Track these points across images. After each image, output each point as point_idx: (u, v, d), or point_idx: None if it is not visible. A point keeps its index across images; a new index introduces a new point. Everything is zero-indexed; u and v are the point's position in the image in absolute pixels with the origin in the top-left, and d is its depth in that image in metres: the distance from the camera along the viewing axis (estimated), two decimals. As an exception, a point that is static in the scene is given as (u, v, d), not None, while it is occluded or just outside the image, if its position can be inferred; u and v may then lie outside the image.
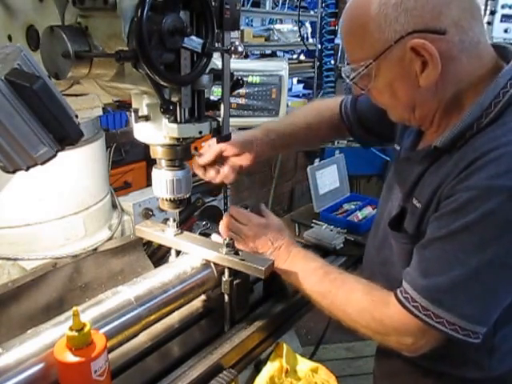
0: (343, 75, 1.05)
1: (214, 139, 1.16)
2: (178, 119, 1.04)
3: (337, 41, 4.46)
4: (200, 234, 1.52)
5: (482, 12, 4.07)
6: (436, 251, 0.96)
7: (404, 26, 0.91)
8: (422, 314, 0.95)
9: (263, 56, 4.68)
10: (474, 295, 0.93)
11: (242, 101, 1.86)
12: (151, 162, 1.19)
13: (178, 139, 1.08)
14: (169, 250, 1.36)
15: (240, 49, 1.02)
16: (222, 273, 1.20)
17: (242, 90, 1.80)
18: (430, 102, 1.00)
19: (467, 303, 0.93)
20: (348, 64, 1.02)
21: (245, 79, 1.46)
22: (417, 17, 0.90)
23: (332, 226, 1.76)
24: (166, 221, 1.35)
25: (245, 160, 1.35)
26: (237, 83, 1.14)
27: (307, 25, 5.36)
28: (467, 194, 0.90)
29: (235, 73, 1.11)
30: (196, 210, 1.70)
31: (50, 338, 0.91)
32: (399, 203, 1.13)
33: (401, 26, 0.91)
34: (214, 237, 1.33)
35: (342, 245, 1.64)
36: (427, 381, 1.16)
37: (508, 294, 0.95)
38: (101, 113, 1.45)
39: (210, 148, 1.33)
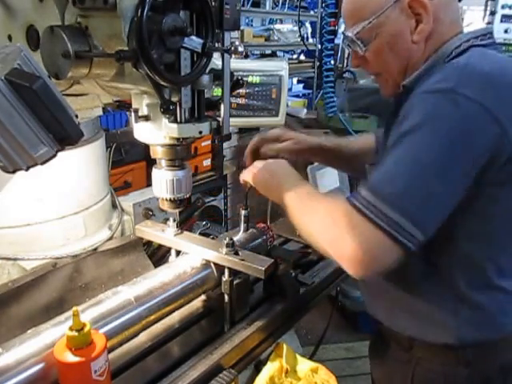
0: (344, 41, 1.17)
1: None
2: (178, 119, 1.04)
3: (337, 41, 4.46)
4: (200, 233, 1.52)
5: (482, 12, 4.07)
6: (387, 161, 1.00)
7: None
8: (363, 206, 0.95)
9: (263, 56, 4.68)
10: (408, 187, 0.95)
11: (242, 101, 1.86)
12: (151, 162, 1.19)
13: (178, 139, 1.08)
14: (169, 249, 1.36)
15: (240, 49, 1.02)
16: (222, 273, 1.20)
17: (242, 90, 1.80)
18: (418, 61, 1.11)
19: (403, 195, 0.95)
20: (349, 29, 1.13)
21: (245, 79, 1.46)
22: None
23: (332, 226, 1.76)
24: (166, 221, 1.35)
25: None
26: (237, 83, 1.14)
27: (307, 25, 5.37)
28: (409, 103, 1.01)
29: (235, 73, 1.11)
30: (196, 210, 1.70)
31: (50, 338, 0.91)
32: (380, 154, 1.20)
33: None
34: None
35: (341, 245, 1.63)
36: (409, 366, 1.18)
37: (445, 195, 0.96)
38: (101, 113, 1.45)
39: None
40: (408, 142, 0.98)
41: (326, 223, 1.03)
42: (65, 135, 0.80)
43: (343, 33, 1.18)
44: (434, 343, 1.14)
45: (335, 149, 1.49)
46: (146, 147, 1.16)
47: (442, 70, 1.03)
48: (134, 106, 1.09)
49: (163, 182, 1.15)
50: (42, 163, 0.80)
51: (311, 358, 1.41)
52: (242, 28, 4.16)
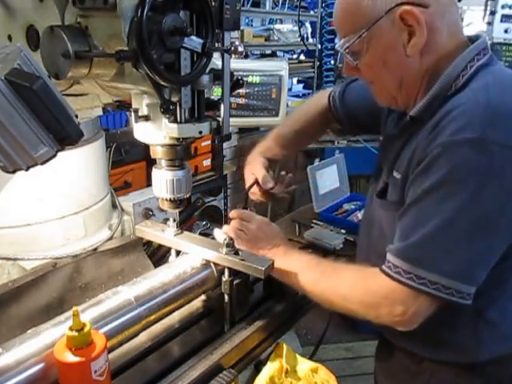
0: (337, 49, 1.11)
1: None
2: (178, 119, 1.04)
3: (337, 41, 4.45)
4: (200, 233, 1.52)
5: (482, 12, 4.07)
6: (413, 214, 0.98)
7: None
8: (405, 278, 0.96)
9: (263, 56, 4.68)
10: (449, 248, 0.93)
11: (241, 101, 1.86)
12: (151, 162, 1.19)
13: (178, 139, 1.08)
14: (169, 249, 1.36)
15: (240, 49, 1.02)
16: (222, 273, 1.20)
17: (241, 90, 1.80)
18: (415, 75, 1.06)
19: (444, 258, 0.94)
20: (341, 39, 1.09)
21: (245, 79, 1.46)
22: None
23: (332, 226, 1.76)
24: (166, 221, 1.35)
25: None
26: (237, 83, 1.14)
27: (307, 25, 5.37)
28: (433, 152, 0.94)
29: (235, 73, 1.11)
30: (196, 210, 1.70)
31: (50, 338, 0.91)
32: (383, 179, 1.17)
33: None
34: (217, 232, 1.33)
35: (341, 245, 1.63)
36: (422, 378, 1.16)
37: (489, 248, 0.95)
38: (101, 113, 1.45)
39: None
40: (438, 199, 0.93)
41: (362, 293, 1.05)
42: (65, 135, 0.80)
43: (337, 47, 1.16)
44: (448, 362, 1.12)
45: (277, 141, 1.52)
46: (146, 147, 1.15)
47: (461, 109, 0.94)
48: (134, 106, 1.09)
49: (163, 182, 1.15)
50: (42, 163, 0.80)
51: (311, 358, 1.41)
52: (242, 28, 4.16)
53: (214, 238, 1.41)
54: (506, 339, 1.09)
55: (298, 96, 5.55)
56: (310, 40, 5.15)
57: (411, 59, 1.03)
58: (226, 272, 1.18)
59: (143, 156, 2.82)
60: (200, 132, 1.07)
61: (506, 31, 3.94)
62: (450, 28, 1.04)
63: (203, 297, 1.27)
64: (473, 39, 1.06)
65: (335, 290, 1.10)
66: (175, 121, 1.04)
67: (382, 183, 1.17)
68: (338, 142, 3.70)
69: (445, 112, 0.96)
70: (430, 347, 1.12)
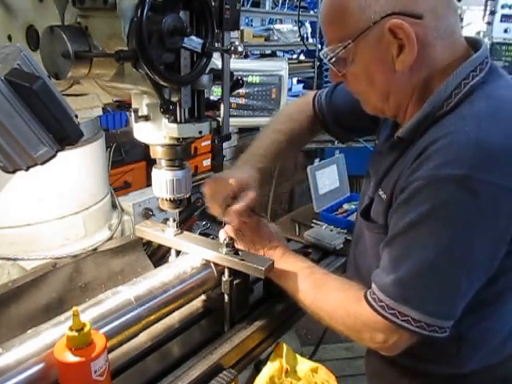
0: (321, 57, 1.04)
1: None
2: (178, 119, 1.04)
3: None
4: (200, 233, 1.52)
5: (482, 12, 4.07)
6: (397, 247, 0.96)
7: (383, 7, 0.92)
8: (388, 314, 0.95)
9: (263, 56, 4.69)
10: (434, 288, 0.92)
11: (241, 101, 1.86)
12: (151, 162, 1.19)
13: (177, 139, 1.08)
14: (169, 249, 1.36)
15: (240, 49, 1.02)
16: (222, 273, 1.20)
17: (241, 90, 1.80)
18: (404, 89, 0.99)
19: (429, 297, 0.93)
20: (327, 46, 1.02)
21: (245, 79, 1.46)
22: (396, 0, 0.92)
23: (332, 226, 1.76)
24: (166, 221, 1.35)
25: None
26: (237, 83, 1.14)
27: (307, 25, 5.38)
28: (415, 184, 0.90)
29: (235, 73, 1.11)
30: (196, 210, 1.69)
31: (50, 338, 0.91)
32: (369, 194, 1.14)
33: (380, 7, 0.92)
34: (221, 232, 1.32)
35: (341, 245, 1.63)
36: (405, 380, 1.17)
37: (471, 284, 0.94)
38: (101, 113, 1.45)
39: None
40: (422, 235, 0.91)
41: (343, 315, 1.04)
42: (65, 135, 0.80)
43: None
44: (434, 372, 1.12)
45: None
46: (146, 147, 1.15)
47: (448, 139, 0.88)
48: (134, 106, 1.09)
49: (163, 182, 1.15)
50: (42, 163, 0.80)
51: (311, 358, 1.41)
52: (241, 28, 4.17)
53: (214, 238, 1.41)
54: (490, 355, 1.08)
55: (297, 96, 5.56)
56: (310, 40, 5.16)
57: (400, 74, 0.96)
58: (226, 272, 1.18)
59: (143, 156, 2.82)
60: (200, 132, 1.07)
61: (505, 31, 3.94)
62: (445, 40, 0.96)
63: (203, 297, 1.27)
64: (474, 45, 1.00)
65: (322, 305, 1.10)
66: (175, 121, 1.04)
67: (368, 199, 1.14)
68: (338, 142, 3.70)
69: (431, 139, 0.91)
70: (413, 359, 1.11)
